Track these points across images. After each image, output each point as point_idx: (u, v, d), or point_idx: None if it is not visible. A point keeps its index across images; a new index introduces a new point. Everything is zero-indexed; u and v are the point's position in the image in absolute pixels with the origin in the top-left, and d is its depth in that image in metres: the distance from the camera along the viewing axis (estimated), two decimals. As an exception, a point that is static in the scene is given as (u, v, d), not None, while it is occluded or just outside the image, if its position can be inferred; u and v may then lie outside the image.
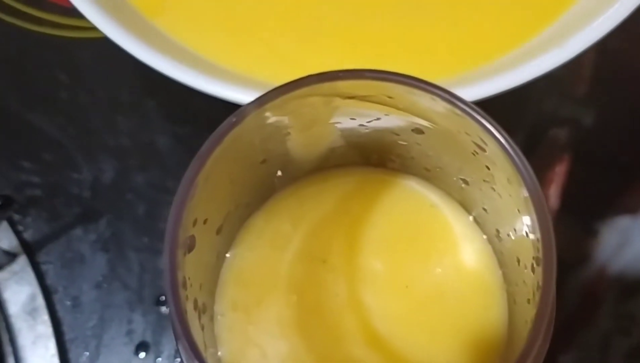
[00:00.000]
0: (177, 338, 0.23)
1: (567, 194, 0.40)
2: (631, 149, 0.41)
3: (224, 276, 0.30)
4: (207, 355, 0.27)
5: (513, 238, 0.28)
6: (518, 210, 0.25)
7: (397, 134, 0.28)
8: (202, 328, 0.28)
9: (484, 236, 0.30)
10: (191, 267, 0.26)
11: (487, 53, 0.35)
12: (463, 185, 0.30)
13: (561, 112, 0.40)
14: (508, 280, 0.30)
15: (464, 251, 0.31)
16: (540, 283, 0.23)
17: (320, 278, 0.30)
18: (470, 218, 0.31)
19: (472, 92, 0.31)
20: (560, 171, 0.40)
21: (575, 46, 0.32)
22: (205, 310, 0.29)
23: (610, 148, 0.41)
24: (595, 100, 0.41)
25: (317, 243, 0.30)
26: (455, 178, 0.30)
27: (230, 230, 0.30)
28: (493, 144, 0.23)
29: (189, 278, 0.26)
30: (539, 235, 0.22)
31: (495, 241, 0.30)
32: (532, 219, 0.23)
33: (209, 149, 0.23)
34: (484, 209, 0.30)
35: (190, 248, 0.26)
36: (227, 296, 0.30)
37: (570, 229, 0.40)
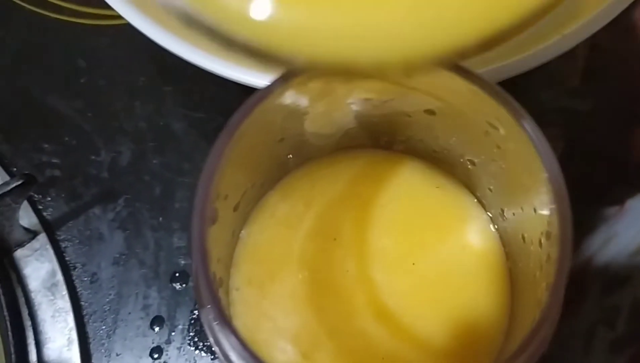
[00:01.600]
0: (202, 306, 0.23)
1: None
2: (620, 141, 0.41)
3: (239, 253, 0.30)
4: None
5: (519, 216, 0.28)
6: (528, 187, 0.25)
7: (409, 116, 0.28)
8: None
9: (489, 215, 0.30)
10: (212, 240, 0.26)
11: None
12: (470, 166, 0.29)
13: (555, 103, 0.40)
14: (511, 258, 0.30)
15: (469, 231, 0.30)
16: (554, 255, 0.22)
17: (330, 255, 0.30)
18: (475, 199, 0.31)
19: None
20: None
21: (574, 36, 0.32)
22: (222, 283, 0.28)
23: (600, 139, 0.41)
24: (588, 92, 0.41)
25: (328, 222, 0.30)
26: (462, 159, 0.29)
27: (246, 208, 0.30)
28: (510, 123, 0.23)
29: (209, 251, 0.26)
30: (554, 209, 0.22)
31: (499, 220, 0.30)
32: (548, 194, 0.22)
33: (239, 120, 0.22)
34: (490, 190, 0.29)
35: (213, 220, 0.25)
36: (242, 272, 0.30)
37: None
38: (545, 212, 0.24)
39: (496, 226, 0.30)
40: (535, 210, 0.25)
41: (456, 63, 0.22)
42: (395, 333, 0.28)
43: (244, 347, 0.21)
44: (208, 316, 0.23)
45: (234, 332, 0.21)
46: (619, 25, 0.41)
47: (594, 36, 0.36)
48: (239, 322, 0.29)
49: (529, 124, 0.22)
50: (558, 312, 0.23)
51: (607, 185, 0.40)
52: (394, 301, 0.29)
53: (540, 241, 0.25)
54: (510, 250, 0.30)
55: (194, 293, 0.24)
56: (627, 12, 0.42)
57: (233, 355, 0.22)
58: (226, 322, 0.21)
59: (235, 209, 0.29)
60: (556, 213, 0.22)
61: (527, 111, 0.40)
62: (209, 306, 0.22)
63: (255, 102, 0.22)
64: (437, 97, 0.25)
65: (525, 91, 0.40)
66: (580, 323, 0.37)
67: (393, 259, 0.30)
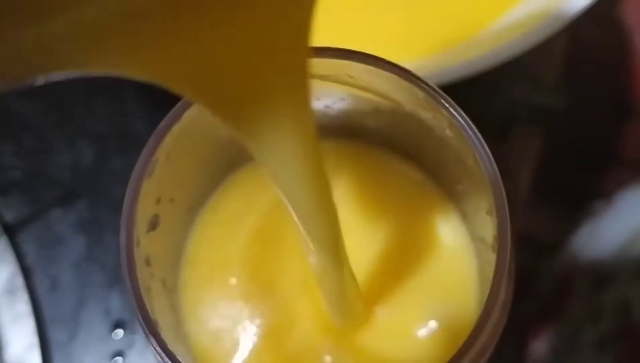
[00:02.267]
0: (135, 314, 0.22)
1: (540, 180, 0.39)
2: (602, 135, 0.41)
3: (182, 256, 0.29)
4: (177, 334, 0.26)
5: (478, 217, 0.27)
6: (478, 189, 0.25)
7: (362, 116, 0.27)
8: (172, 307, 0.27)
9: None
10: (157, 246, 0.26)
11: (452, 38, 0.34)
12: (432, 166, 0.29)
13: (533, 99, 0.40)
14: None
15: (440, 227, 0.29)
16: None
17: (270, 257, 0.28)
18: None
19: (439, 77, 0.31)
20: (531, 156, 0.39)
21: (540, 32, 0.31)
22: (174, 288, 0.28)
23: (581, 134, 0.41)
24: (567, 87, 0.40)
25: (270, 221, 0.29)
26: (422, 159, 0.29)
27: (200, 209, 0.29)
28: (447, 120, 0.22)
29: (152, 256, 0.25)
30: (494, 211, 0.22)
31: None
32: (488, 195, 0.22)
33: (167, 126, 0.22)
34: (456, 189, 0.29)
35: (153, 225, 0.25)
36: (183, 275, 0.29)
37: (544, 214, 0.39)
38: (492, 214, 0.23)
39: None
40: (487, 212, 0.25)
41: (389, 61, 0.22)
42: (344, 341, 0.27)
43: (167, 355, 0.20)
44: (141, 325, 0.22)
45: (157, 339, 0.21)
46: (602, 21, 0.41)
47: (572, 32, 0.35)
48: (187, 328, 0.28)
49: (460, 116, 0.21)
50: (501, 321, 0.22)
51: (592, 182, 0.40)
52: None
53: (493, 245, 0.25)
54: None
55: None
56: (612, 8, 0.42)
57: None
58: (152, 330, 0.21)
59: (189, 211, 0.28)
60: (495, 209, 0.21)
61: (502, 109, 0.40)
62: (136, 314, 0.21)
63: (184, 107, 0.22)
64: (382, 96, 0.25)
65: (498, 88, 0.40)
66: (567, 321, 0.37)
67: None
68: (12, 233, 0.36)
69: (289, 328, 0.27)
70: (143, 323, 0.21)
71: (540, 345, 0.37)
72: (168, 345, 0.21)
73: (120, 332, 0.34)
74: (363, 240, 0.28)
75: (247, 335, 0.27)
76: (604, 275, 0.37)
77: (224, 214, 0.29)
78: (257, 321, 0.27)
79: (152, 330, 0.21)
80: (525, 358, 0.37)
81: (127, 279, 0.21)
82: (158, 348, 0.20)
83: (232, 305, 0.27)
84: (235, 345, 0.27)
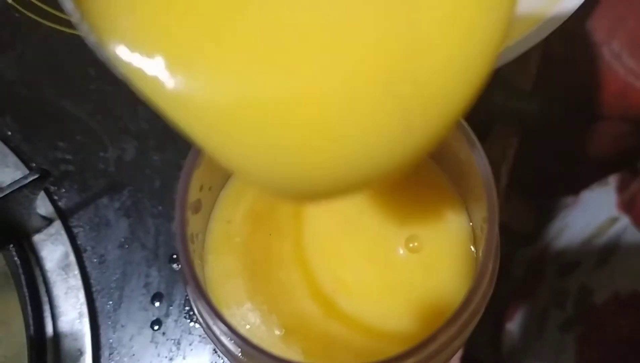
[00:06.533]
0: (185, 283, 0.24)
1: (516, 177, 0.39)
2: (571, 137, 0.42)
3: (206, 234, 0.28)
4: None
5: (469, 205, 0.28)
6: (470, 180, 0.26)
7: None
8: (204, 278, 0.28)
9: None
10: (198, 226, 0.27)
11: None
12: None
13: (510, 103, 0.41)
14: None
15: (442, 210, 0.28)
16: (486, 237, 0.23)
17: (268, 241, 0.28)
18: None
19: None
20: (509, 154, 0.40)
21: (521, 45, 0.32)
22: (206, 262, 0.29)
23: (552, 136, 0.41)
24: (540, 94, 0.41)
25: (263, 207, 0.29)
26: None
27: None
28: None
29: (197, 236, 0.26)
30: (485, 195, 0.23)
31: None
32: (479, 183, 0.23)
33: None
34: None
35: (196, 209, 0.26)
36: (206, 252, 0.28)
37: (519, 207, 0.40)
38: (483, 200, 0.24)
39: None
40: (477, 199, 0.26)
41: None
42: (335, 310, 0.27)
43: (216, 315, 0.22)
44: (189, 291, 0.24)
45: (208, 303, 0.22)
46: (571, 36, 0.42)
47: (547, 44, 0.36)
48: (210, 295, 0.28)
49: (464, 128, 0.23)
50: (489, 288, 0.24)
51: (564, 178, 0.41)
52: (335, 288, 0.27)
53: (481, 227, 0.26)
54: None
55: (180, 273, 0.25)
56: (580, 24, 0.42)
57: (211, 323, 0.23)
58: (203, 295, 0.22)
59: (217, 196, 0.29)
60: (485, 193, 0.22)
61: (482, 112, 0.41)
62: (189, 284, 0.23)
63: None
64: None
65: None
66: (535, 305, 0.38)
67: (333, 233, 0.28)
68: (65, 217, 0.37)
69: (284, 296, 0.27)
70: (195, 289, 0.22)
71: (513, 326, 0.38)
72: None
73: (158, 303, 0.35)
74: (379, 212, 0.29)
75: (251, 307, 0.27)
76: (569, 263, 0.38)
77: (229, 199, 0.29)
78: (257, 290, 0.27)
79: (202, 294, 0.22)
80: (500, 338, 0.38)
81: (181, 253, 0.23)
82: (207, 307, 0.22)
83: (235, 278, 0.28)
84: (243, 314, 0.27)
